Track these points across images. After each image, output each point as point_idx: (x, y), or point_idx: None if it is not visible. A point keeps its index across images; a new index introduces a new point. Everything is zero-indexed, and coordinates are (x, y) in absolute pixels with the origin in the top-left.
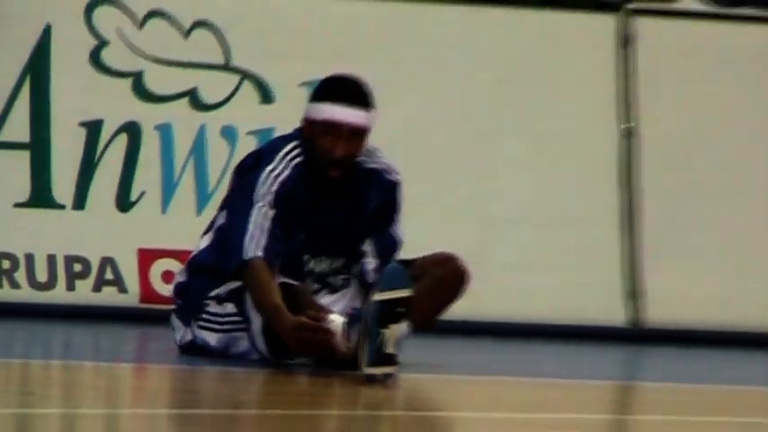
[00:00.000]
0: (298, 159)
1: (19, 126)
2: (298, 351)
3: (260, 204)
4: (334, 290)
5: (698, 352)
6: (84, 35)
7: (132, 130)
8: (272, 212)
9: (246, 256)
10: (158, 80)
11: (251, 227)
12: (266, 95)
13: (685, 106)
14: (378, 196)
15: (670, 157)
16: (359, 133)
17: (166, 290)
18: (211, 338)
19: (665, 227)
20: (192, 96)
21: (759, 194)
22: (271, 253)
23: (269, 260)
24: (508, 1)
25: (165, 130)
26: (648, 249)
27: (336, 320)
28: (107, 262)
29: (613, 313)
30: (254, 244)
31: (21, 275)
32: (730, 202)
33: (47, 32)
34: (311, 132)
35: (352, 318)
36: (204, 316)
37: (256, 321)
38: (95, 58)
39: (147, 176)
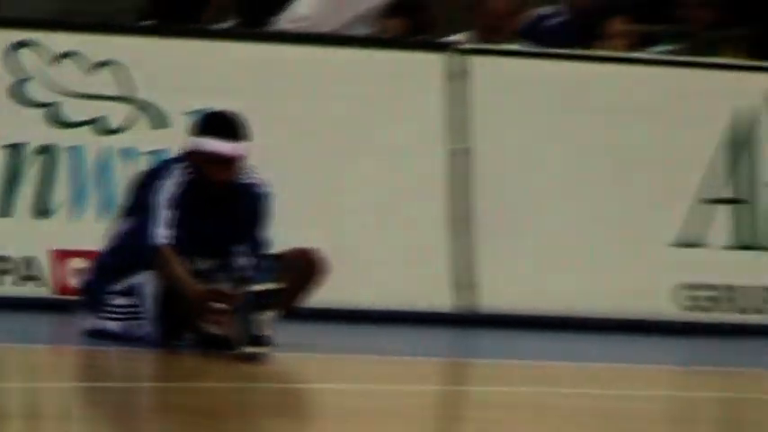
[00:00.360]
0: (186, 177)
1: None
2: (201, 316)
3: (162, 207)
4: (215, 283)
5: (522, 334)
6: (8, 72)
7: (49, 152)
8: (171, 213)
9: (157, 243)
10: (70, 110)
11: (158, 222)
12: (161, 122)
13: (512, 129)
14: (251, 206)
15: (499, 172)
16: (236, 161)
17: (77, 284)
18: (114, 326)
19: (495, 228)
20: (99, 123)
21: (572, 201)
22: (174, 242)
23: (173, 247)
24: (358, 43)
25: (76, 152)
26: (480, 247)
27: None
28: (28, 260)
29: (445, 300)
30: (162, 234)
31: None
32: (549, 208)
33: None
34: (197, 159)
35: (234, 305)
36: (107, 307)
37: (151, 310)
38: (17, 92)
39: (61, 190)
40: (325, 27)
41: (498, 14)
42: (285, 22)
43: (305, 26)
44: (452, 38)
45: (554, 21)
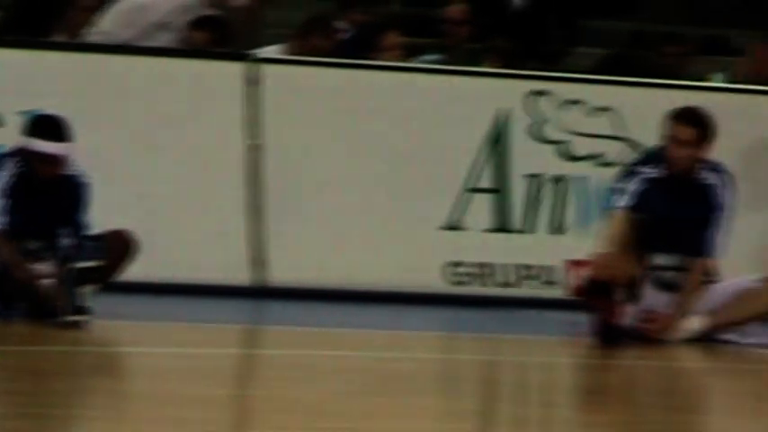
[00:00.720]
0: (18, 170)
1: None
2: (28, 294)
3: None
4: (43, 261)
5: (310, 305)
6: None
7: None
8: (4, 201)
9: None
10: None
11: None
12: None
13: (301, 128)
14: (73, 195)
15: (289, 164)
16: (60, 159)
17: None
18: None
19: (285, 213)
20: None
21: (354, 191)
22: (7, 227)
23: (6, 231)
24: (169, 53)
25: None
26: (272, 229)
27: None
28: None
29: (244, 276)
30: None
31: None
32: (334, 196)
33: None
34: (27, 156)
35: (59, 280)
36: None
37: None
38: None
39: None
40: (124, 37)
41: (317, 48)
42: (93, 35)
43: (107, 39)
44: (266, 49)
45: (344, 35)
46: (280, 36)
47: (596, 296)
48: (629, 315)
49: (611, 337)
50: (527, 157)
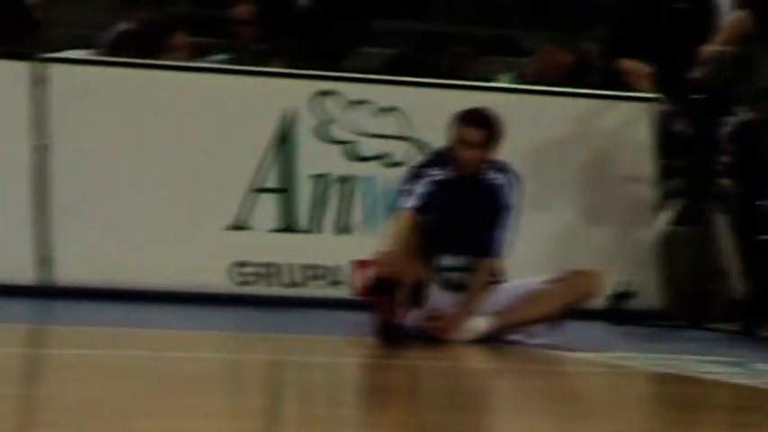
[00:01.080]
0: None
1: None
2: None
3: None
4: None
5: (96, 304)
6: None
7: None
8: None
9: None
10: None
11: None
12: None
13: (87, 127)
14: None
15: (75, 164)
16: None
17: None
18: None
19: (71, 212)
20: None
21: (142, 190)
22: None
23: None
24: None
25: None
26: (58, 228)
27: None
28: None
29: (29, 275)
30: None
31: None
32: (121, 196)
33: None
34: None
35: None
36: None
37: None
38: None
39: None
40: None
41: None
42: None
43: None
44: (70, 53)
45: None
46: (68, 36)
47: (379, 296)
48: (414, 316)
49: (393, 336)
50: (313, 158)
